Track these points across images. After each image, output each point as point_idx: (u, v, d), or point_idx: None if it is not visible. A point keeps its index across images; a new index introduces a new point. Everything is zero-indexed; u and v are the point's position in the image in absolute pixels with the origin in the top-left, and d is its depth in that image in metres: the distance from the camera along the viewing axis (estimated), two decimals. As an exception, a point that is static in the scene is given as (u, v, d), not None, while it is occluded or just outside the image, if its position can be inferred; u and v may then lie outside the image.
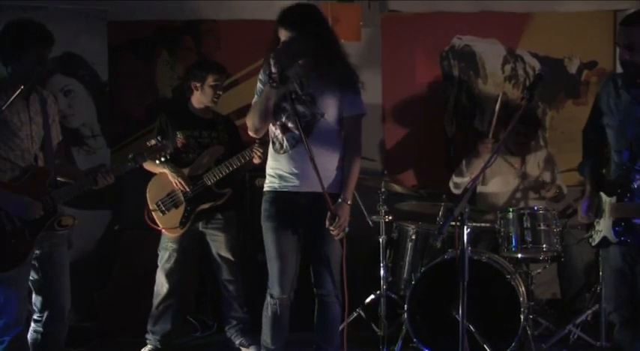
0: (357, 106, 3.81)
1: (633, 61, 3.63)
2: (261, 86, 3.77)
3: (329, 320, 3.84)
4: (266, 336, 3.85)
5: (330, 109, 3.74)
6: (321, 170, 3.59)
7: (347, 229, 3.68)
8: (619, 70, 5.94)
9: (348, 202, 3.72)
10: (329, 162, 3.75)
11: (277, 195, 3.77)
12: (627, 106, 3.75)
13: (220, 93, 4.96)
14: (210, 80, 4.88)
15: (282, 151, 3.76)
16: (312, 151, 3.58)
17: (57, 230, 3.74)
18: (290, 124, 3.71)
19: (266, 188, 3.83)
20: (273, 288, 3.79)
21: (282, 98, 3.67)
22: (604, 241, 3.80)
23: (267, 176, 3.84)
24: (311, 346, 3.94)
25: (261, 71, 3.80)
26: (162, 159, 4.17)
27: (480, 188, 5.40)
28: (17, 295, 3.65)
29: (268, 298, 3.82)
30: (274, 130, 3.79)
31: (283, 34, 3.64)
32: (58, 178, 3.87)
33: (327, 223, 3.62)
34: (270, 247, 3.78)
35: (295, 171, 3.72)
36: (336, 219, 3.62)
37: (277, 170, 3.78)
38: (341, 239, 3.71)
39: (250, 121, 3.75)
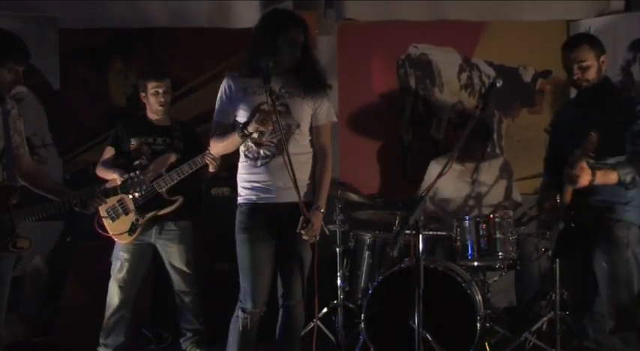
0: (330, 115, 3.85)
1: (586, 78, 3.77)
2: (224, 98, 3.76)
3: (295, 330, 3.84)
4: (232, 350, 3.79)
5: (304, 119, 3.75)
6: (298, 181, 3.59)
7: (317, 236, 3.69)
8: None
9: (322, 210, 3.75)
10: (303, 172, 3.75)
11: (255, 207, 3.74)
12: (575, 118, 3.87)
13: (162, 100, 4.89)
14: (149, 88, 4.86)
15: (258, 164, 3.73)
16: (289, 162, 3.56)
17: (11, 251, 3.62)
18: (265, 139, 3.69)
19: (242, 200, 3.79)
20: (246, 302, 3.72)
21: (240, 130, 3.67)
22: (559, 241, 3.85)
23: (242, 189, 3.79)
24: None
25: (226, 79, 3.78)
26: (136, 194, 4.15)
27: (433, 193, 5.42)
28: None
29: (239, 312, 3.75)
30: (248, 144, 3.75)
31: (294, 34, 3.65)
32: (36, 191, 3.77)
33: (299, 227, 3.61)
34: (245, 259, 3.72)
35: (273, 182, 3.70)
36: (309, 224, 3.61)
37: (254, 183, 3.74)
38: (312, 246, 3.73)
39: (214, 151, 3.90)
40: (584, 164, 3.55)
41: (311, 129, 3.79)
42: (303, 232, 3.62)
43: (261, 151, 3.72)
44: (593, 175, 3.56)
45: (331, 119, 3.86)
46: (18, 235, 3.63)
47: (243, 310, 3.73)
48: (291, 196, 3.64)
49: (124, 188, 3.87)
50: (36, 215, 3.67)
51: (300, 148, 3.74)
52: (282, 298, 3.82)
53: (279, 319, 3.85)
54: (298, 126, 3.73)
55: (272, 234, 3.74)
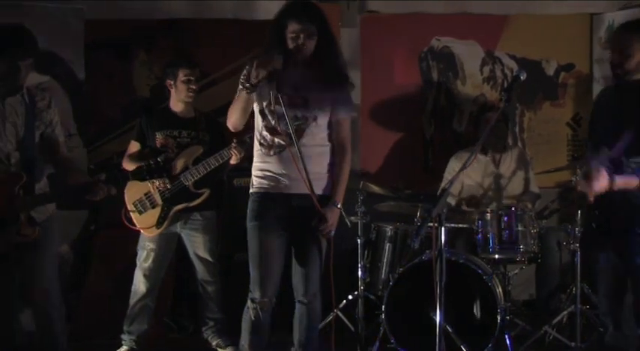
0: (349, 108, 3.79)
1: (623, 66, 3.65)
2: (243, 83, 3.67)
3: (310, 324, 3.79)
4: (244, 341, 3.75)
5: (322, 112, 3.68)
6: (312, 173, 3.55)
7: (332, 232, 3.65)
8: (595, 72, 6.05)
9: (338, 206, 3.70)
10: (319, 165, 3.68)
11: (267, 196, 3.68)
12: (611, 107, 3.80)
13: (193, 87, 4.90)
14: (181, 76, 4.86)
15: (272, 153, 3.67)
16: (303, 155, 3.53)
17: (16, 238, 3.65)
18: (280, 128, 3.63)
19: (254, 190, 3.74)
20: (255, 291, 3.67)
21: (273, 101, 3.59)
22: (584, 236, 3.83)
23: (255, 178, 3.74)
24: (289, 347, 3.91)
25: (247, 69, 3.69)
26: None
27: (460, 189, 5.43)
28: None
29: (249, 301, 3.70)
30: (263, 132, 3.70)
31: (293, 28, 3.57)
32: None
33: (315, 223, 3.58)
34: (255, 248, 3.67)
35: (286, 173, 3.64)
36: (324, 221, 3.59)
37: (266, 172, 3.69)
38: (329, 241, 3.67)
39: (230, 120, 3.71)
40: (601, 172, 3.51)
41: (330, 123, 3.74)
42: (320, 228, 3.59)
43: (276, 140, 3.65)
44: (612, 181, 3.51)
45: (351, 114, 3.82)
46: (22, 223, 3.65)
47: (253, 300, 3.68)
48: (305, 188, 3.57)
49: (137, 175, 3.74)
50: (40, 202, 3.71)
51: (316, 140, 3.68)
52: (297, 292, 3.76)
53: (295, 313, 3.81)
54: (315, 119, 3.67)
55: (283, 224, 3.66)
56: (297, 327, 3.80)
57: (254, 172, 3.77)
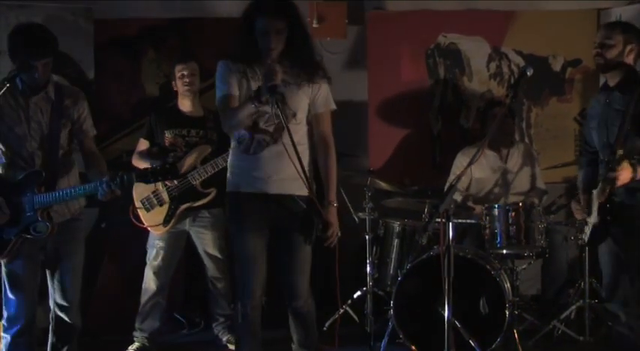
0: (329, 102, 3.71)
1: (604, 55, 3.80)
2: (226, 75, 3.56)
3: (306, 326, 3.76)
4: (241, 343, 3.75)
5: (300, 108, 3.62)
6: (292, 173, 3.48)
7: (339, 234, 3.62)
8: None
9: (335, 204, 3.66)
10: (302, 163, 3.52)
11: (244, 196, 3.60)
12: (603, 107, 3.87)
13: (187, 81, 4.91)
14: (176, 72, 4.94)
15: (251, 151, 3.58)
16: (283, 153, 3.46)
17: (31, 235, 3.72)
18: (261, 125, 3.56)
19: (231, 189, 3.66)
20: (243, 293, 3.63)
21: (252, 99, 3.45)
22: (594, 233, 3.85)
23: (231, 175, 3.66)
24: (281, 343, 3.92)
25: (221, 66, 3.60)
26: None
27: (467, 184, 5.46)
28: (15, 291, 3.80)
29: (239, 303, 3.66)
30: (241, 131, 3.60)
31: (262, 23, 3.47)
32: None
33: (320, 232, 3.55)
34: (240, 250, 3.62)
35: (265, 173, 3.57)
36: (329, 227, 3.56)
37: (244, 170, 3.61)
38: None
39: (225, 124, 3.58)
40: (625, 164, 3.58)
41: (308, 120, 3.68)
42: (325, 236, 3.55)
43: (255, 140, 3.57)
44: (635, 171, 3.59)
45: (330, 107, 3.72)
46: (38, 220, 3.72)
47: (242, 301, 3.64)
48: (284, 189, 3.56)
49: (142, 177, 3.64)
50: (55, 201, 3.74)
51: (297, 138, 3.51)
52: (289, 299, 3.70)
53: (290, 321, 3.76)
54: (294, 115, 3.58)
55: (262, 223, 3.60)
56: (294, 327, 3.78)
57: (230, 169, 3.68)
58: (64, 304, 3.95)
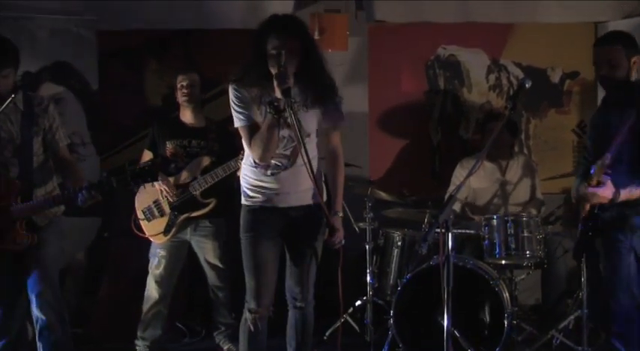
0: (339, 118, 3.70)
1: (614, 76, 3.72)
2: (242, 104, 3.53)
3: (306, 328, 3.79)
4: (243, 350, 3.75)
5: (313, 128, 3.64)
6: (306, 188, 3.57)
7: (342, 241, 3.67)
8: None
9: (340, 214, 3.72)
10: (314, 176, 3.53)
11: (262, 209, 3.62)
12: (603, 117, 3.88)
13: (187, 92, 4.92)
14: (177, 83, 4.98)
15: (269, 173, 3.59)
16: (300, 173, 3.50)
17: (14, 246, 3.70)
18: (279, 150, 3.56)
19: (248, 203, 3.66)
20: (251, 301, 3.65)
21: (268, 106, 3.44)
22: (576, 246, 3.89)
23: (249, 191, 3.64)
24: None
25: (232, 90, 3.56)
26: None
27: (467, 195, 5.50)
28: None
29: (246, 313, 3.67)
30: None
31: (273, 44, 3.43)
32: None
33: (327, 236, 3.60)
34: (250, 258, 3.63)
35: (282, 189, 3.59)
36: (335, 231, 3.60)
37: (262, 189, 3.60)
38: (337, 249, 3.66)
39: (256, 154, 3.53)
40: (609, 182, 3.58)
41: (318, 132, 3.67)
42: (331, 240, 3.61)
43: (273, 162, 3.58)
44: (617, 193, 3.58)
45: (341, 124, 3.73)
46: (17, 231, 3.69)
47: (250, 310, 3.65)
48: (297, 200, 3.60)
49: (121, 182, 3.58)
50: (33, 212, 3.72)
51: (310, 153, 3.49)
52: (295, 299, 3.73)
53: (290, 319, 3.78)
54: (308, 135, 3.59)
55: (278, 233, 3.64)
56: (292, 332, 3.79)
57: (246, 185, 3.67)
58: (33, 297, 3.78)
